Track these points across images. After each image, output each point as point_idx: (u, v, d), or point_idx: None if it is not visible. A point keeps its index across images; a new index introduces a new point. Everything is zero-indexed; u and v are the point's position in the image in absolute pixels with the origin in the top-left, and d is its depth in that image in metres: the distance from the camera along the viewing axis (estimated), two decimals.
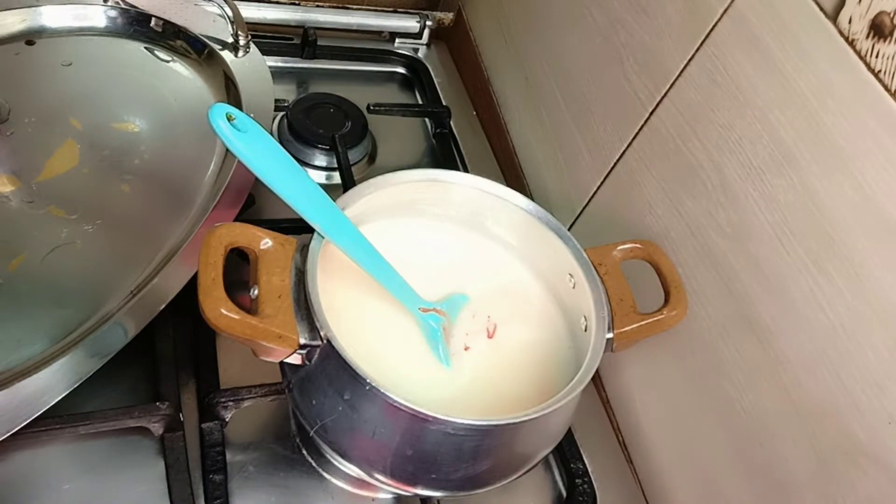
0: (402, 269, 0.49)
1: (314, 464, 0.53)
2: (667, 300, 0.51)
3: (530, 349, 0.52)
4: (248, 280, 0.44)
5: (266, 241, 0.44)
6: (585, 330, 0.50)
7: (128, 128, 0.62)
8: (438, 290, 0.52)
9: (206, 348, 0.55)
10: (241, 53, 0.66)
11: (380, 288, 0.48)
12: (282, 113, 0.73)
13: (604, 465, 0.60)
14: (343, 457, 0.45)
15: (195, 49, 0.67)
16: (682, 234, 0.56)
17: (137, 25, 0.67)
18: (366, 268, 0.46)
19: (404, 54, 0.88)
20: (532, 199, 0.53)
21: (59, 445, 0.49)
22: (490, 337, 0.52)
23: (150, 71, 0.66)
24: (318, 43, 0.81)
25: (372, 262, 0.47)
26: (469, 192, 0.54)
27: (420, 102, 0.85)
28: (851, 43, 0.42)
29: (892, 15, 0.39)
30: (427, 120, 0.82)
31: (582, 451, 0.59)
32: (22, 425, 0.42)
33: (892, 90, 0.40)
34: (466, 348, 0.51)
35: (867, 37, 0.41)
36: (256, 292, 0.43)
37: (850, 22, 0.42)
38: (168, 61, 0.67)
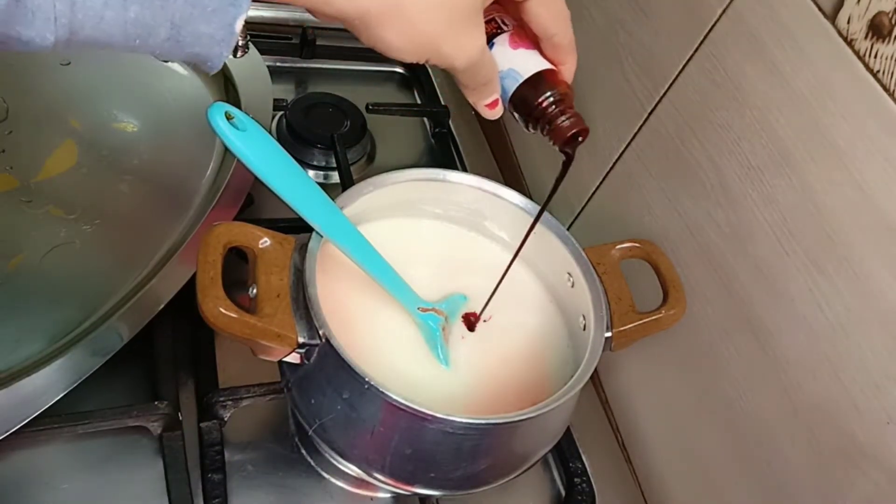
0: (401, 269, 0.49)
1: (313, 463, 0.53)
2: (665, 299, 0.51)
3: (529, 348, 0.52)
4: (247, 279, 0.44)
5: (265, 241, 0.44)
6: (584, 329, 0.50)
7: (126, 128, 0.62)
8: (437, 290, 0.52)
9: (204, 347, 0.55)
10: (239, 54, 0.66)
11: (378, 286, 0.48)
12: (280, 112, 0.73)
13: (602, 465, 0.60)
14: (342, 456, 0.45)
15: None
16: (680, 233, 0.56)
17: None
18: (365, 267, 0.46)
19: None
20: (531, 199, 0.53)
21: (57, 445, 0.49)
22: (485, 320, 0.52)
23: (148, 71, 0.66)
24: (317, 42, 0.81)
25: (371, 261, 0.47)
26: (468, 191, 0.54)
27: (419, 102, 0.85)
28: (850, 43, 0.42)
29: (890, 15, 0.40)
30: (426, 119, 0.82)
31: (581, 451, 0.59)
32: (21, 425, 0.42)
33: (891, 90, 0.40)
34: (462, 337, 0.51)
35: (866, 37, 0.41)
36: (255, 291, 0.43)
37: (848, 22, 0.42)
38: (167, 61, 0.67)
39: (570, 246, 0.52)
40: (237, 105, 0.62)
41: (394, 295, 0.48)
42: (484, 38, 0.37)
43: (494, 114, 0.42)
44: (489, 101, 0.40)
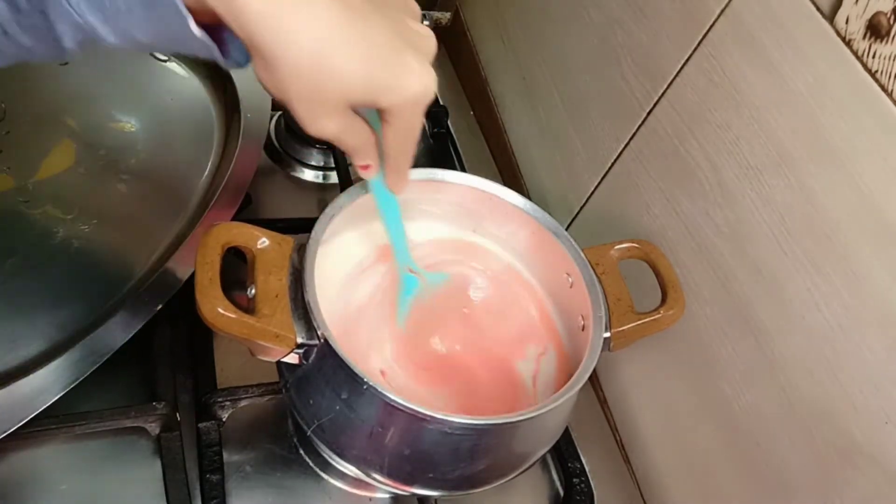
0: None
1: (311, 463, 0.53)
2: (664, 300, 0.51)
3: (528, 348, 0.52)
4: (246, 279, 0.44)
5: (263, 241, 0.44)
6: (583, 329, 0.50)
7: (124, 127, 0.62)
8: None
9: (203, 348, 0.55)
10: None
11: (376, 288, 0.48)
12: (279, 112, 0.73)
13: (601, 465, 0.61)
14: (340, 456, 0.45)
15: None
16: (679, 233, 0.56)
17: None
18: (383, 213, 0.46)
19: None
20: (529, 199, 0.53)
21: (55, 445, 0.49)
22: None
23: (146, 70, 0.66)
24: None
25: (389, 210, 0.46)
26: (467, 191, 0.54)
27: None
28: (848, 43, 0.42)
29: (888, 15, 0.40)
30: (424, 119, 0.82)
31: (579, 451, 0.59)
32: (19, 425, 0.42)
33: (889, 90, 0.40)
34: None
35: (864, 37, 0.41)
36: (253, 292, 0.43)
37: (846, 22, 0.42)
38: (165, 60, 0.67)
39: (569, 246, 0.52)
40: (236, 104, 0.62)
41: (394, 247, 0.48)
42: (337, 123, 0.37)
43: (368, 174, 0.43)
44: (361, 163, 0.42)
